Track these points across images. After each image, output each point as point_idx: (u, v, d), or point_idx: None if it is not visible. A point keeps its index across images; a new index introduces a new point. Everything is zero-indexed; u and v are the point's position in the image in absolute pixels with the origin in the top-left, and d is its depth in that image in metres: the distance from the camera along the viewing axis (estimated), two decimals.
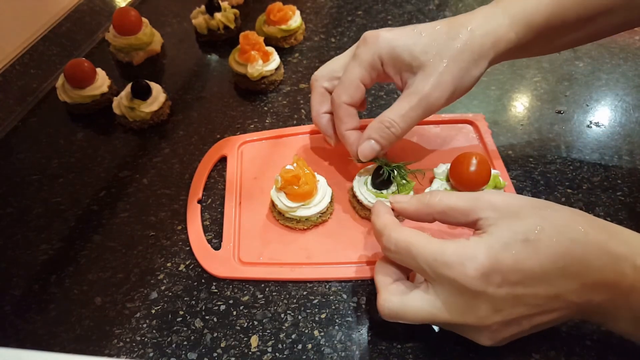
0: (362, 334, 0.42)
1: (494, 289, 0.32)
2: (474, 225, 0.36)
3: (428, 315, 0.35)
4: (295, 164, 0.49)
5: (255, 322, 0.44)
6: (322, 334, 0.42)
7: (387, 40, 0.45)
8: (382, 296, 0.37)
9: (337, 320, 0.43)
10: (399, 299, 0.36)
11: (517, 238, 0.33)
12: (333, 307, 0.44)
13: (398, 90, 0.48)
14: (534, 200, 0.36)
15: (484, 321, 0.34)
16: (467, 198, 0.37)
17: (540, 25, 0.45)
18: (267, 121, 0.63)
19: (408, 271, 0.39)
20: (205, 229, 0.51)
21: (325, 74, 0.51)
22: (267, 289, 0.46)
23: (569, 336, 0.38)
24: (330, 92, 0.51)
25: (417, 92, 0.44)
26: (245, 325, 0.43)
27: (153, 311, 0.45)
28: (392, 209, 0.41)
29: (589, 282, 0.33)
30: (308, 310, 0.44)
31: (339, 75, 0.49)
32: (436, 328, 0.42)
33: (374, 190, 0.48)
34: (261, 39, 0.65)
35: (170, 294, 0.46)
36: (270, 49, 0.67)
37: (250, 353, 0.41)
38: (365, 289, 0.45)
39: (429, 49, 0.44)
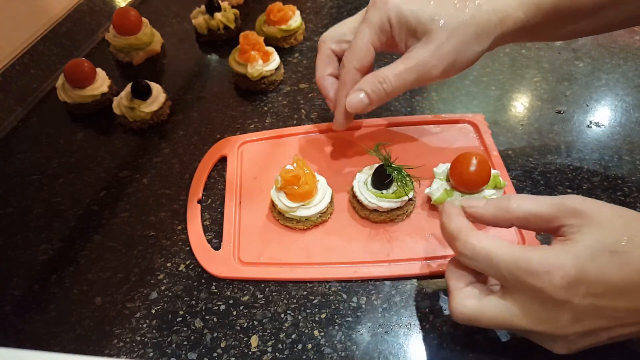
0: (362, 334, 0.42)
1: (578, 300, 0.32)
2: (555, 232, 0.35)
3: (505, 321, 0.34)
4: (295, 164, 0.49)
5: (255, 322, 0.44)
6: (322, 334, 0.42)
7: (395, 3, 0.45)
8: (456, 299, 0.36)
9: (337, 320, 0.43)
10: (475, 304, 0.35)
11: (604, 249, 0.32)
12: (333, 307, 0.44)
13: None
14: (618, 208, 0.35)
15: (563, 330, 0.33)
16: (548, 204, 0.35)
17: (549, 8, 0.45)
18: (267, 121, 0.63)
19: (479, 274, 0.38)
20: (205, 229, 0.51)
21: (334, 36, 0.51)
22: (267, 289, 0.46)
23: None
24: (337, 55, 0.51)
25: (416, 56, 0.45)
26: (245, 325, 0.43)
27: (153, 311, 0.45)
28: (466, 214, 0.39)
29: None
30: (308, 310, 0.44)
31: (347, 38, 0.50)
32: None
33: (374, 190, 0.48)
34: (261, 39, 0.65)
35: (170, 294, 0.46)
36: (270, 49, 0.67)
37: (250, 353, 0.41)
38: (365, 289, 0.45)
39: (435, 17, 0.44)
